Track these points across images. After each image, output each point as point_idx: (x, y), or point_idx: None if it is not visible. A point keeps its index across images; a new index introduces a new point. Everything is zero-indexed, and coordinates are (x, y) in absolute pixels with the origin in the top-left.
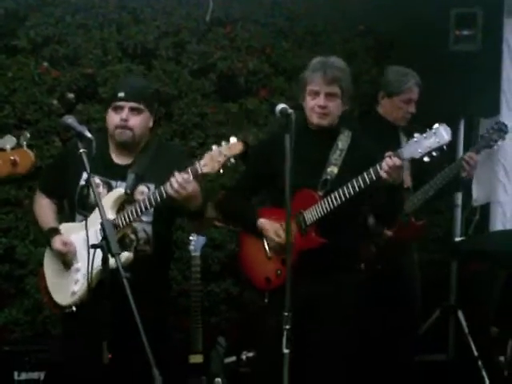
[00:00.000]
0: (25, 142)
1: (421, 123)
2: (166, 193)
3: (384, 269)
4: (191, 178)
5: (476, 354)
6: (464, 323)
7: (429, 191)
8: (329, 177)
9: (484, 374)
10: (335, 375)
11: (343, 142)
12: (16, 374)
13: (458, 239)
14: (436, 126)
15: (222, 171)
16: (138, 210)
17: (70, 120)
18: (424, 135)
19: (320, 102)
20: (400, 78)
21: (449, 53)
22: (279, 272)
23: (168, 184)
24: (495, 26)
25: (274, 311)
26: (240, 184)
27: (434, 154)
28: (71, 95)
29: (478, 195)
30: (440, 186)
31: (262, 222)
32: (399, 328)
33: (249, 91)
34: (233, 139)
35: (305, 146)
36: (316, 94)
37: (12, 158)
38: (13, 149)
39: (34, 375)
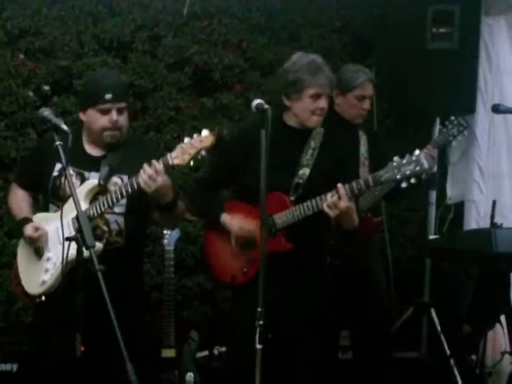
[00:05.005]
0: None
1: (397, 120)
2: (136, 184)
3: (344, 264)
4: (161, 169)
5: (448, 352)
6: (437, 321)
7: (386, 187)
8: (301, 180)
9: (456, 372)
10: (309, 371)
11: (315, 140)
12: None
13: (431, 237)
14: (417, 152)
15: (192, 163)
16: (110, 201)
17: (47, 112)
18: (404, 161)
19: (323, 105)
20: (352, 75)
21: (425, 50)
22: (245, 270)
23: (138, 175)
24: (473, 24)
25: (240, 307)
26: (210, 177)
27: (413, 180)
28: (47, 87)
29: (452, 193)
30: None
31: (226, 217)
32: (366, 324)
33: (224, 86)
34: (205, 132)
35: (278, 146)
36: (318, 96)
37: None
38: None
39: (7, 367)
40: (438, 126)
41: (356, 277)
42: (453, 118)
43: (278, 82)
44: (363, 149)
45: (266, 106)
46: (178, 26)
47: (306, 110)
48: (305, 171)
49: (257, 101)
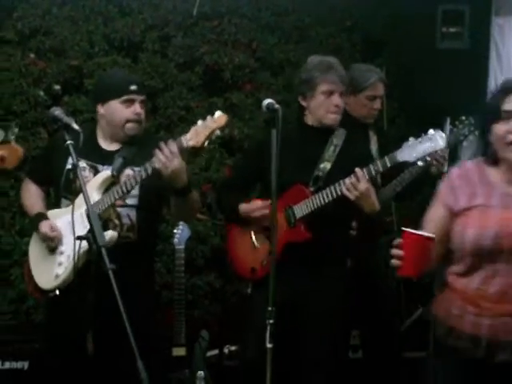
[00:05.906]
0: (13, 137)
1: (406, 120)
2: (152, 167)
3: (354, 265)
4: (177, 151)
5: None
6: None
7: (396, 187)
8: (321, 173)
9: None
10: (322, 370)
11: (338, 138)
12: (0, 362)
13: None
14: (431, 131)
15: (206, 144)
16: (124, 189)
17: (58, 112)
18: (419, 140)
19: (337, 102)
20: (363, 75)
21: (435, 50)
22: (265, 262)
23: (152, 160)
24: (483, 24)
25: (258, 302)
26: (234, 179)
27: (428, 158)
28: (58, 87)
29: None
30: (408, 182)
31: (243, 206)
32: (376, 324)
33: (234, 85)
34: (218, 112)
35: (300, 143)
36: (331, 93)
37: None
38: (1, 143)
39: (18, 364)
40: (448, 126)
41: (365, 277)
42: (463, 117)
43: (293, 83)
44: (373, 149)
45: (277, 106)
46: (188, 26)
47: (320, 107)
48: (326, 165)
49: (267, 100)
